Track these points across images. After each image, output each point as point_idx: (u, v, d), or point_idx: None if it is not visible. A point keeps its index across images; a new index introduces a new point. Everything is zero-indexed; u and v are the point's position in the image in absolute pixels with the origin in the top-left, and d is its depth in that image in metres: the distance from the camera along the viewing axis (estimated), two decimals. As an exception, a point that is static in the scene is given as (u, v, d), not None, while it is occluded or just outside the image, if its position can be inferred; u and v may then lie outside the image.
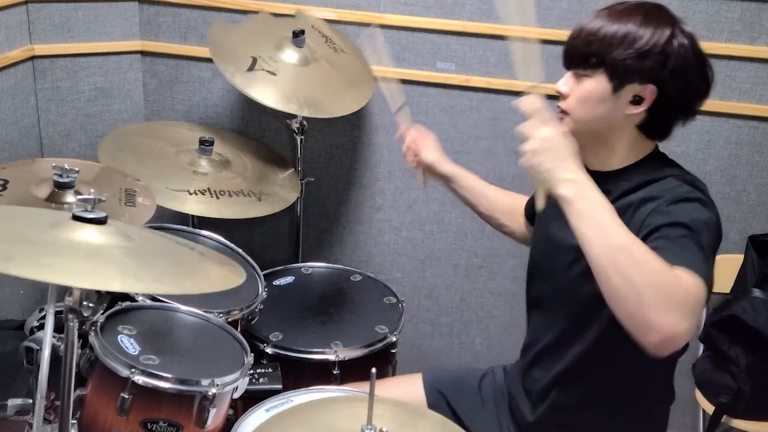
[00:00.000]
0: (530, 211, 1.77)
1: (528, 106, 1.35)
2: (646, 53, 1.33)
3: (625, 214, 1.34)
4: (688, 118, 1.43)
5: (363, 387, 1.58)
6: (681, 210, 1.30)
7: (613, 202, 1.38)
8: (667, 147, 2.25)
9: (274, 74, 2.07)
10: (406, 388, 1.74)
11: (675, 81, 1.35)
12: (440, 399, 1.72)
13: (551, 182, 1.28)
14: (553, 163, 1.29)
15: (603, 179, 1.44)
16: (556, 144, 1.30)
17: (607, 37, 1.35)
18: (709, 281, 1.24)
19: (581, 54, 1.39)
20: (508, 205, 1.82)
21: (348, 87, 2.16)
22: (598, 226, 1.22)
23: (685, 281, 1.19)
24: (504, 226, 1.84)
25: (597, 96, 1.38)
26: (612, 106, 1.38)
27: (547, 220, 1.57)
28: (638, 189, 1.39)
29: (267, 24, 2.24)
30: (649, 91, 1.36)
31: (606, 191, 1.41)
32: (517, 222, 1.82)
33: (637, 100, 1.37)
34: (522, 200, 1.82)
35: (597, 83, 1.38)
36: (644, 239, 1.28)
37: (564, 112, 1.43)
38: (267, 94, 2.04)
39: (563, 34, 1.47)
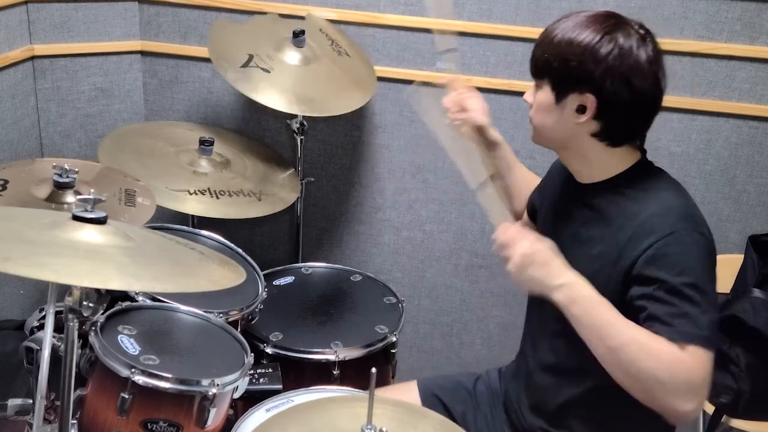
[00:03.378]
0: (531, 206, 1.76)
1: (504, 237, 1.38)
2: (574, 61, 1.35)
3: (621, 229, 1.37)
4: (648, 122, 1.42)
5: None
6: (678, 258, 1.31)
7: (604, 213, 1.42)
8: (667, 147, 2.27)
9: (268, 72, 2.07)
10: (402, 395, 1.72)
11: (612, 86, 1.34)
12: (437, 403, 1.71)
13: (544, 292, 1.35)
14: (540, 273, 1.35)
15: (591, 191, 1.46)
16: (537, 255, 1.36)
17: (547, 47, 1.39)
18: (714, 336, 1.29)
19: (532, 64, 1.44)
20: (530, 187, 1.78)
21: (347, 88, 2.16)
22: (596, 329, 1.30)
23: (689, 360, 1.26)
24: (515, 207, 1.80)
25: (545, 106, 1.42)
26: (559, 116, 1.40)
27: (551, 233, 1.57)
28: (628, 202, 1.40)
29: (271, 25, 2.23)
30: (589, 100, 1.36)
31: (596, 204, 1.45)
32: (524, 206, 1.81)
33: (581, 110, 1.38)
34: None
35: (544, 93, 1.41)
36: (640, 278, 1.33)
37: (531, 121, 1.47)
38: (258, 90, 2.04)
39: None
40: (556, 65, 1.37)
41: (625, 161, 1.44)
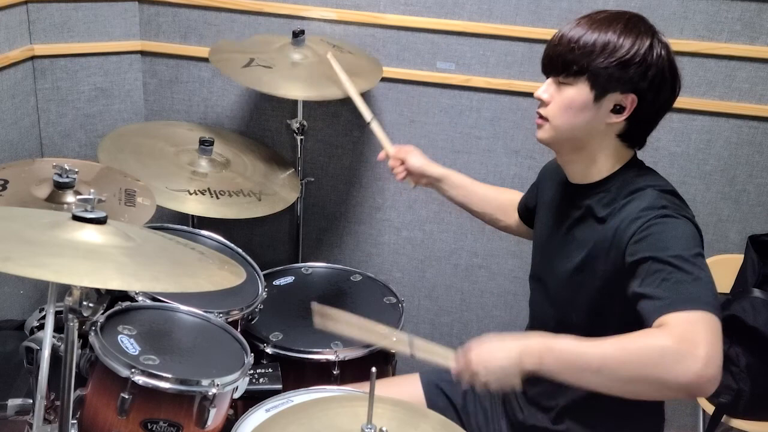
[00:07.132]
0: (524, 211, 1.78)
1: (461, 368, 1.38)
2: (627, 62, 1.35)
3: (612, 228, 1.38)
4: (654, 127, 1.45)
5: (363, 388, 1.59)
6: (664, 235, 1.31)
7: (595, 211, 1.43)
8: (667, 147, 2.27)
9: (270, 67, 2.08)
10: (405, 387, 1.74)
11: (653, 90, 1.37)
12: (439, 394, 1.72)
13: (522, 372, 1.29)
14: (500, 367, 1.30)
15: (584, 192, 1.47)
16: (484, 356, 1.33)
17: (588, 45, 1.36)
18: (714, 302, 1.23)
19: (562, 62, 1.40)
20: (500, 201, 1.84)
21: (352, 74, 2.15)
22: (579, 373, 1.25)
23: (685, 327, 1.19)
24: (498, 222, 1.86)
25: (578, 104, 1.39)
26: (593, 115, 1.39)
27: (547, 235, 1.59)
28: (619, 199, 1.41)
29: (269, 37, 2.25)
30: (629, 101, 1.37)
31: (588, 204, 1.45)
32: (512, 217, 1.83)
33: (617, 110, 1.39)
34: (514, 195, 1.83)
35: (578, 91, 1.39)
36: (631, 267, 1.31)
37: (544, 119, 1.44)
38: (263, 83, 2.04)
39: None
40: (603, 65, 1.35)
41: (622, 160, 1.45)
